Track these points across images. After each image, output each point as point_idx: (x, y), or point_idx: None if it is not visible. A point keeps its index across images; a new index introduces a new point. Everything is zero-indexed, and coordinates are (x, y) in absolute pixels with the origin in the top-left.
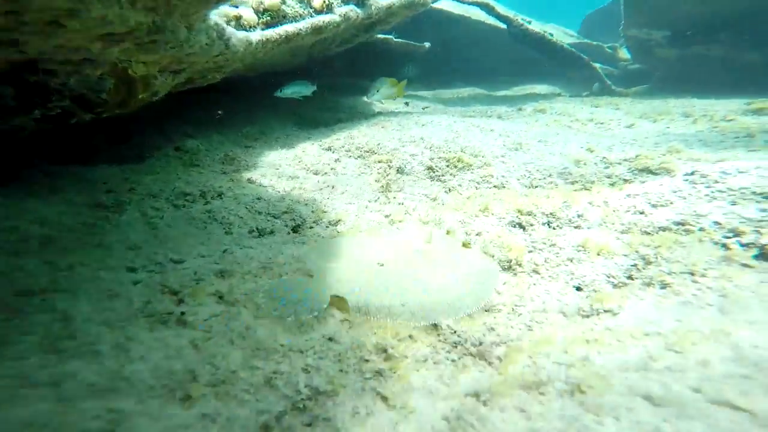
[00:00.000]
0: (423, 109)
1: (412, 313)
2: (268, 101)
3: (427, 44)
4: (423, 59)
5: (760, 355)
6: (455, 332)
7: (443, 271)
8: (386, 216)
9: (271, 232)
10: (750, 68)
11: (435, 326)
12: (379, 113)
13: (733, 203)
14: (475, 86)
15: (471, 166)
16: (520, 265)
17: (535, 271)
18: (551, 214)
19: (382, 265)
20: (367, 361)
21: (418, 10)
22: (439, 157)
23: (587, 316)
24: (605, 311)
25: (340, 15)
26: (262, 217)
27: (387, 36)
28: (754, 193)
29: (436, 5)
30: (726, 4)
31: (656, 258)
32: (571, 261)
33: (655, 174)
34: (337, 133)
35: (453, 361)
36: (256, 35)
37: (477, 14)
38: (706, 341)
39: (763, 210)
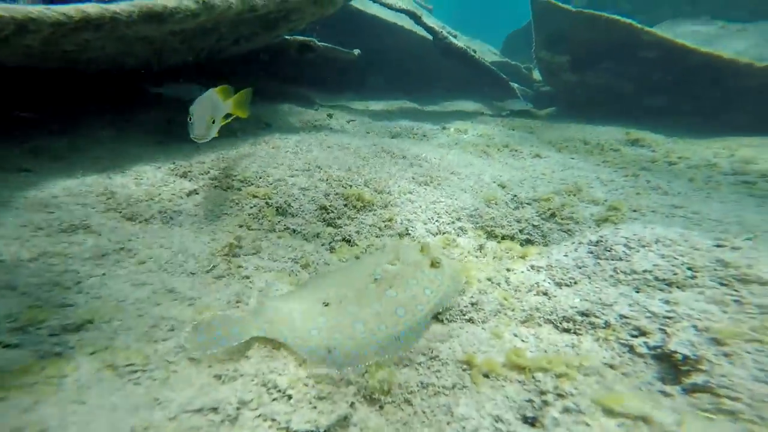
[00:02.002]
0: (348, 122)
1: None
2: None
3: (356, 51)
4: (359, 69)
5: None
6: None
7: (385, 309)
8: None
9: None
10: (627, 97)
11: None
12: (282, 127)
13: (638, 290)
14: (408, 99)
15: (373, 205)
16: (382, 402)
17: (404, 407)
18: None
19: (327, 305)
20: None
21: (328, 9)
22: (337, 193)
23: None
24: None
25: (198, 2)
26: None
27: (309, 38)
28: (657, 279)
29: (369, 10)
30: (603, 33)
31: (556, 394)
32: (452, 390)
33: (560, 223)
34: (207, 153)
35: None
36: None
37: (410, 24)
38: None
39: (667, 302)
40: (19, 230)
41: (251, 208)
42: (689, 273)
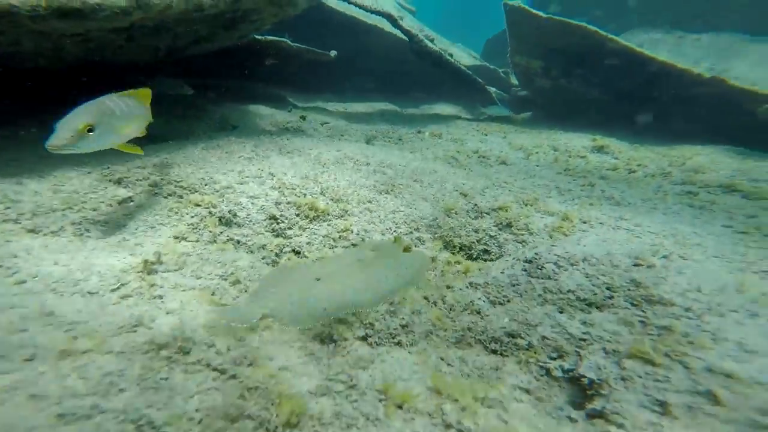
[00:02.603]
0: (322, 125)
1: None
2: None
3: (333, 53)
4: (339, 70)
5: None
6: None
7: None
8: None
9: None
10: (595, 103)
11: None
12: (248, 130)
13: (561, 310)
14: (388, 101)
15: (328, 215)
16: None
17: None
18: (370, 324)
19: (319, 279)
20: None
21: (288, 10)
22: (289, 202)
23: None
24: None
25: None
26: None
27: (281, 39)
28: (579, 299)
29: (349, 12)
30: (573, 40)
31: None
32: (365, 422)
33: (515, 234)
34: (149, 158)
35: None
36: None
37: (388, 26)
38: None
39: (584, 323)
40: None
41: (192, 217)
42: (607, 293)
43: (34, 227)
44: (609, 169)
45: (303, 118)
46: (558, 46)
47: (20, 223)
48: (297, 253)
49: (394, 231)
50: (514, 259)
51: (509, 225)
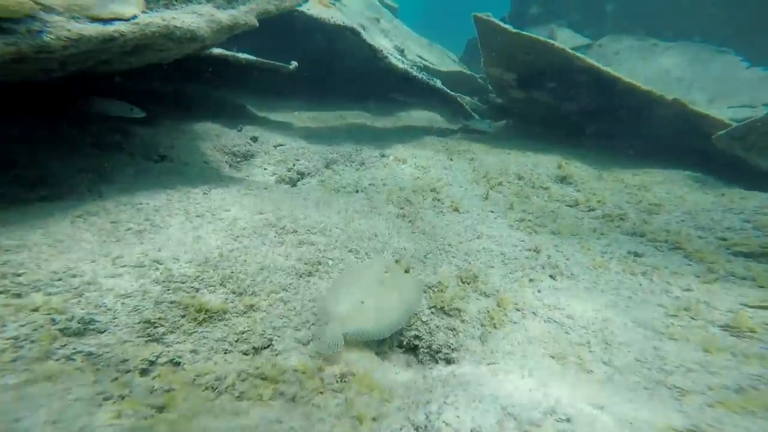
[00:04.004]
0: (275, 147)
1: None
2: None
3: (293, 65)
4: (310, 74)
5: None
6: None
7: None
8: None
9: None
10: (570, 118)
11: None
12: (181, 159)
13: None
14: (362, 107)
15: (225, 313)
16: None
17: None
18: None
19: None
20: None
21: (189, 47)
22: (173, 302)
23: None
24: None
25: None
26: None
27: (226, 53)
28: None
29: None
30: (542, 56)
31: None
32: None
33: (447, 319)
34: None
35: None
36: None
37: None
38: None
39: None
40: None
41: (20, 327)
42: None
43: None
44: (569, 205)
45: (254, 139)
46: (529, 60)
47: None
48: (176, 364)
49: (309, 327)
50: (405, 419)
51: (442, 309)
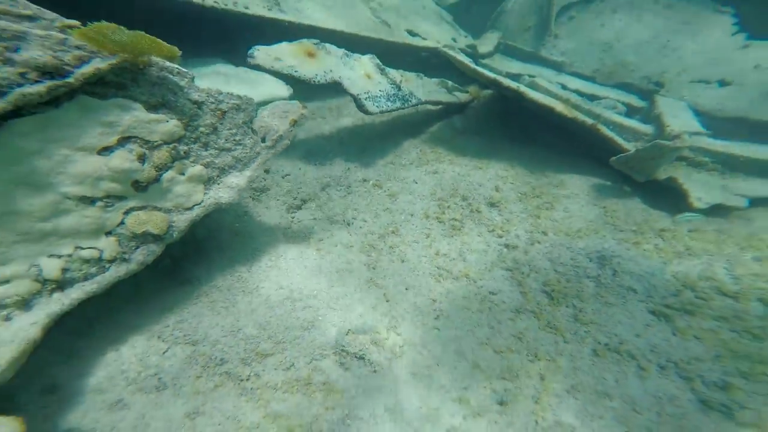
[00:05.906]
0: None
1: None
2: None
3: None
4: None
5: None
6: None
7: None
8: None
9: None
10: (522, 130)
11: None
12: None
13: None
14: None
15: None
16: None
17: None
18: None
19: None
20: None
21: None
22: None
23: None
24: None
25: None
26: None
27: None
28: None
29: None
30: (499, 89)
31: None
32: None
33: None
34: None
35: None
36: None
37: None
38: None
39: None
40: None
41: None
42: None
43: None
44: (490, 231)
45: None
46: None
47: None
48: None
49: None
50: None
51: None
